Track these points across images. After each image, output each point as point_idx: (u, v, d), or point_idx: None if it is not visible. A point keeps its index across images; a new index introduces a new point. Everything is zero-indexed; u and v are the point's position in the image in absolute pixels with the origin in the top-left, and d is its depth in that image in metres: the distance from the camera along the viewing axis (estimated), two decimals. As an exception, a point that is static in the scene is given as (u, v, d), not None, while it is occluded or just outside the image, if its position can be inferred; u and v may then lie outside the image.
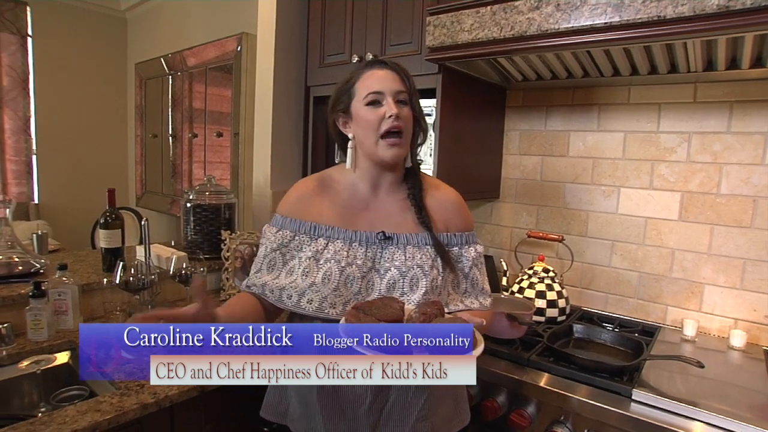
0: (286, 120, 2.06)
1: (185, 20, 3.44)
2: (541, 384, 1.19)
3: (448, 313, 0.95)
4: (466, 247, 1.07)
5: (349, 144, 1.06)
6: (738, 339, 1.43)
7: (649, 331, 1.53)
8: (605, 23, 1.14)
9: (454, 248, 1.06)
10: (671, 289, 1.61)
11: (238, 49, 2.77)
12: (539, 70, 1.64)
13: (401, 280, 0.98)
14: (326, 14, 1.90)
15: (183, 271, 1.52)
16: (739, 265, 1.49)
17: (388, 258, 1.00)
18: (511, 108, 1.90)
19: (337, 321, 0.92)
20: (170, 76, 3.49)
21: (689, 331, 1.49)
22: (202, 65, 3.14)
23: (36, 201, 3.89)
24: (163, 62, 3.52)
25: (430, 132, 1.52)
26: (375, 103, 0.99)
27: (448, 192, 1.12)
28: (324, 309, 0.96)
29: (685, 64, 1.39)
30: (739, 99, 1.45)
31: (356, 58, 1.74)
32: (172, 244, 2.04)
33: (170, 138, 3.56)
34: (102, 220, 1.65)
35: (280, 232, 1.04)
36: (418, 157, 1.11)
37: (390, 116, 0.97)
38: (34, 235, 2.47)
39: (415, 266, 0.99)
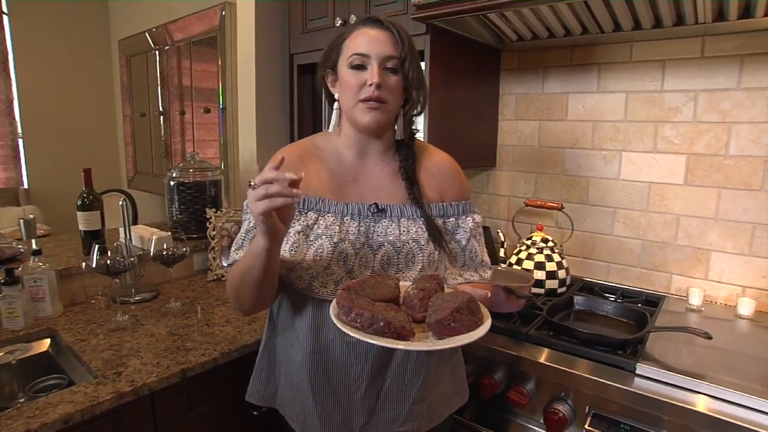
0: (270, 91, 1.96)
1: (167, -10, 3.28)
2: (541, 360, 1.14)
3: (448, 287, 0.90)
4: (463, 217, 1.00)
5: (335, 105, 0.97)
6: (746, 307, 1.37)
7: (653, 301, 1.47)
8: (605, -32, 1.04)
9: (451, 219, 0.99)
10: (676, 256, 1.54)
11: (222, 14, 2.64)
12: (535, 28, 1.53)
13: (396, 256, 0.92)
14: (307, -25, 1.78)
15: (165, 252, 1.45)
16: (748, 230, 1.42)
17: (381, 232, 0.93)
18: (506, 71, 1.80)
19: (326, 301, 0.86)
20: (156, 52, 3.36)
21: (695, 300, 1.43)
22: (188, 39, 3.00)
23: (26, 186, 3.81)
24: (147, 37, 3.38)
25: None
26: (359, 66, 0.90)
27: (443, 159, 1.04)
28: (314, 288, 0.89)
29: (692, 15, 1.28)
30: (751, 52, 1.35)
31: (340, 22, 1.63)
32: (168, 225, 1.96)
33: (160, 117, 3.44)
34: (79, 202, 1.57)
35: None
36: (414, 128, 1.01)
37: (371, 84, 0.88)
38: (21, 221, 2.39)
39: (410, 240, 0.92)
